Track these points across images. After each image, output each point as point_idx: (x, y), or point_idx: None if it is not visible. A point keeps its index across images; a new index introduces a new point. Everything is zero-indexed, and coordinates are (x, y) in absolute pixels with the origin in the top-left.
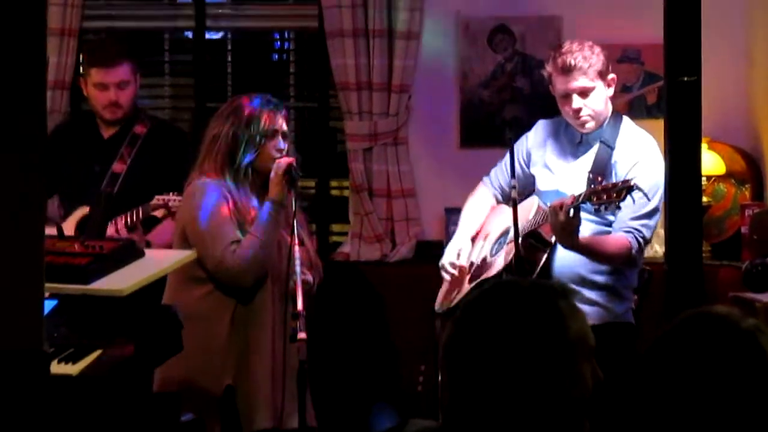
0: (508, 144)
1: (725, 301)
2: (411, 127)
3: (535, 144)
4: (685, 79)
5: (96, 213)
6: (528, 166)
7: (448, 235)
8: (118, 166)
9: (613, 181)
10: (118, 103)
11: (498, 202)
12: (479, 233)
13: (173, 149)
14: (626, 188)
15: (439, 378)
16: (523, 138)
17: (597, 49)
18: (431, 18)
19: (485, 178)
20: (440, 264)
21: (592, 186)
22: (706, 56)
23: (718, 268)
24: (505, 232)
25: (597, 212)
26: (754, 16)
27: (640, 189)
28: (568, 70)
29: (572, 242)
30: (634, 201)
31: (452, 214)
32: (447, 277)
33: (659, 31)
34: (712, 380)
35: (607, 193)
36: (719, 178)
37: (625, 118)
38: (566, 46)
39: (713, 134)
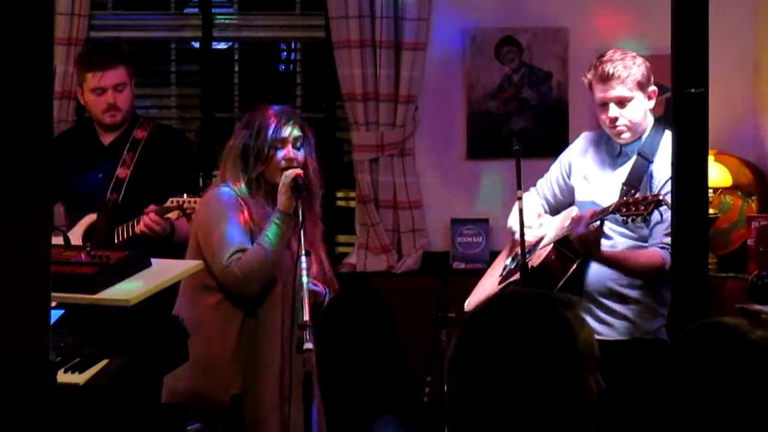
0: (515, 155)
1: (731, 313)
2: (418, 138)
3: (576, 155)
4: (693, 91)
5: (102, 221)
6: (569, 177)
7: (454, 246)
8: (122, 172)
9: (649, 193)
10: (116, 106)
11: (545, 211)
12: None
13: (175, 152)
14: (654, 202)
15: (446, 389)
16: (566, 150)
17: (639, 60)
18: (438, 29)
19: (533, 188)
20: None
21: (624, 198)
22: (713, 68)
23: (725, 280)
24: (541, 239)
25: (625, 224)
26: (761, 29)
27: (668, 204)
28: (606, 79)
29: (595, 255)
30: (662, 216)
31: (458, 225)
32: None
33: (666, 43)
34: (721, 391)
35: (635, 205)
36: (726, 190)
37: (668, 132)
38: (608, 54)
39: (720, 146)
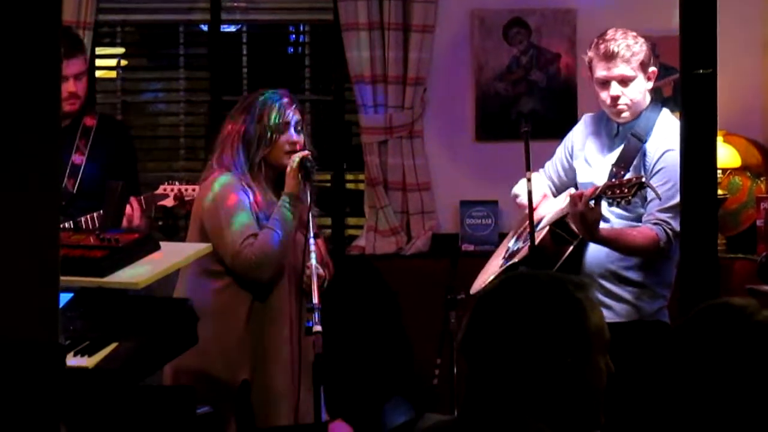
0: (524, 137)
1: (740, 294)
2: (426, 120)
3: (578, 137)
4: (701, 71)
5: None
6: (572, 159)
7: (463, 228)
8: (77, 158)
9: (642, 171)
10: (77, 94)
11: (551, 192)
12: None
13: (123, 143)
14: (637, 185)
15: (455, 371)
16: (570, 131)
17: (641, 40)
18: (446, 10)
19: (541, 170)
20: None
21: (611, 180)
22: (721, 48)
23: (733, 261)
24: (540, 221)
25: (611, 206)
26: None
27: (650, 187)
28: (611, 57)
29: (593, 234)
30: (647, 198)
31: (467, 207)
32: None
33: (674, 23)
34: (729, 371)
35: (620, 188)
36: (735, 170)
37: (665, 110)
38: (610, 33)
39: (729, 127)
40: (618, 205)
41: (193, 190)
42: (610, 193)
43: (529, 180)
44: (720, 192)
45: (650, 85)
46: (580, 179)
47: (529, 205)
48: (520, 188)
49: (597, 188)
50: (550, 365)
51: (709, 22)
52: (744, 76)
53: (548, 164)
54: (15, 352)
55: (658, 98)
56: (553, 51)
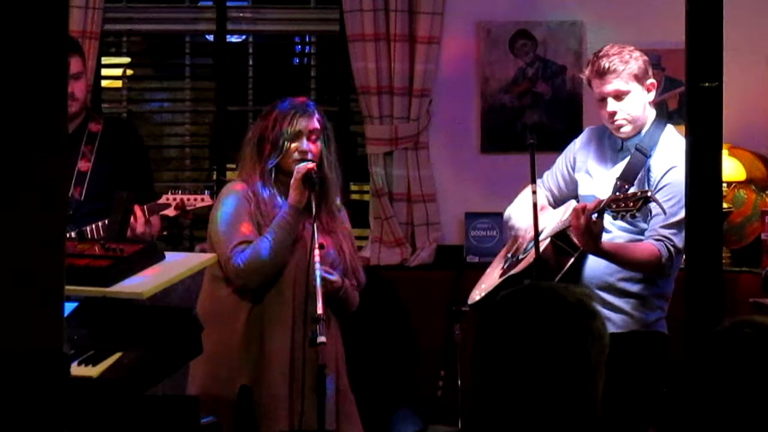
0: (529, 149)
1: (745, 308)
2: (431, 132)
3: (580, 149)
4: (707, 84)
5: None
6: (573, 171)
7: (468, 240)
8: (83, 165)
9: (647, 186)
10: (73, 95)
11: (549, 203)
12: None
13: (131, 145)
14: (643, 199)
15: (459, 383)
16: (571, 143)
17: (636, 54)
18: (452, 22)
19: (540, 180)
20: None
21: (616, 193)
22: (727, 62)
23: (738, 275)
24: (541, 232)
25: (615, 219)
26: None
27: (656, 201)
28: (602, 74)
29: (594, 247)
30: (651, 212)
31: (472, 218)
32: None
33: (680, 37)
34: (750, 391)
35: (625, 201)
36: (740, 184)
37: (669, 126)
38: (605, 49)
39: (734, 140)
40: (623, 219)
41: (196, 199)
42: (614, 206)
43: (534, 193)
44: (725, 205)
45: (651, 96)
46: (581, 192)
47: (534, 216)
48: (517, 213)
49: (600, 201)
50: (554, 377)
51: (715, 36)
52: (749, 89)
53: (547, 175)
54: (20, 361)
55: (664, 111)
56: (559, 63)
